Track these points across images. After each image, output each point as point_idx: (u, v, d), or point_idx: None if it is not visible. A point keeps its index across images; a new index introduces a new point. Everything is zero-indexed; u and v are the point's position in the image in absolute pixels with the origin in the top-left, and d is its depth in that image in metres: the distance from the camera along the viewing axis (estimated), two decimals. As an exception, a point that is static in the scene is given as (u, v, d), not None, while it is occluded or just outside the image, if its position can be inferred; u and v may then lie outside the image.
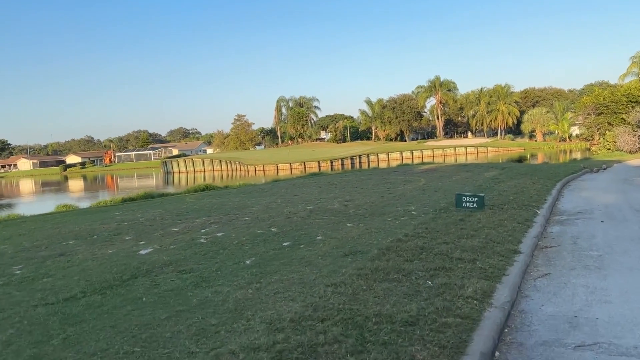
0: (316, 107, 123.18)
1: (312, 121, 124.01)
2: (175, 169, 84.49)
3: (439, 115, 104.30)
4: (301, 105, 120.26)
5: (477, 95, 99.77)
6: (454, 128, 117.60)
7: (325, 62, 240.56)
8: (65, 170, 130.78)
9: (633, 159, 26.39)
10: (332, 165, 68.06)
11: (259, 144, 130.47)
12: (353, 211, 10.01)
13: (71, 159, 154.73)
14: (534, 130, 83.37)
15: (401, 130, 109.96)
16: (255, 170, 68.16)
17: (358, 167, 68.90)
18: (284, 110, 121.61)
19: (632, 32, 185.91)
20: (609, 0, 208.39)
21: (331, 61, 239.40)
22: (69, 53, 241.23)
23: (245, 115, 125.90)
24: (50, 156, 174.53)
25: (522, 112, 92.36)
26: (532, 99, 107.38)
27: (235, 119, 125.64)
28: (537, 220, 8.94)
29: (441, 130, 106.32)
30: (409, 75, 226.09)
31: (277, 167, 67.13)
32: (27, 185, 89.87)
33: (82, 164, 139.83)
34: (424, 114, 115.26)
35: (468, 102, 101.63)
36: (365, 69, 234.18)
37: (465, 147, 78.33)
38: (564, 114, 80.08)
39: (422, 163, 27.45)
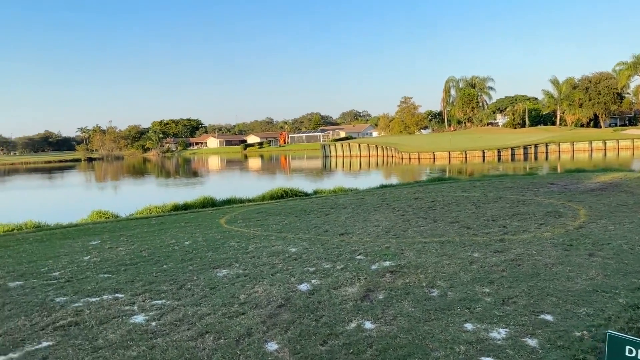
0: (490, 88, 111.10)
1: (485, 103, 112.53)
2: (333, 153, 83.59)
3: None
4: (473, 86, 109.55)
5: (703, 72, 78.85)
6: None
7: (506, 38, 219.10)
8: (245, 149, 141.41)
9: None
10: (499, 156, 59.39)
11: (425, 127, 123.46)
12: (356, 326, 4.87)
13: (251, 139, 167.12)
14: None
15: (595, 115, 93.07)
16: (410, 158, 62.97)
17: (533, 158, 59.00)
18: (452, 92, 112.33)
19: None
20: None
21: (514, 37, 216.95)
22: (257, 44, 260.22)
23: (412, 98, 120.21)
24: (235, 135, 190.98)
25: None
26: None
27: (401, 102, 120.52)
28: None
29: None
30: (608, 50, 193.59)
31: (434, 155, 60.90)
32: (213, 162, 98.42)
33: (260, 144, 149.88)
34: (626, 95, 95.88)
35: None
36: (553, 43, 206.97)
37: (681, 137, 61.86)
38: None
39: (605, 169, 19.86)
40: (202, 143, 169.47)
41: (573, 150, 63.35)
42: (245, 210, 14.35)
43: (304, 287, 6.51)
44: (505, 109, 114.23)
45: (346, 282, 6.61)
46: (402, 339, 4.75)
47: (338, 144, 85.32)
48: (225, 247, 9.12)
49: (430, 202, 13.38)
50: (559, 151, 63.37)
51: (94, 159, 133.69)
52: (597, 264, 6.84)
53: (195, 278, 7.13)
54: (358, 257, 7.90)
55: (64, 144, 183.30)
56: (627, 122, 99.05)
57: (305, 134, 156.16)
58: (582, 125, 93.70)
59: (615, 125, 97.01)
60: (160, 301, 6.18)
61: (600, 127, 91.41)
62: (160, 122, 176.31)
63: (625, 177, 16.66)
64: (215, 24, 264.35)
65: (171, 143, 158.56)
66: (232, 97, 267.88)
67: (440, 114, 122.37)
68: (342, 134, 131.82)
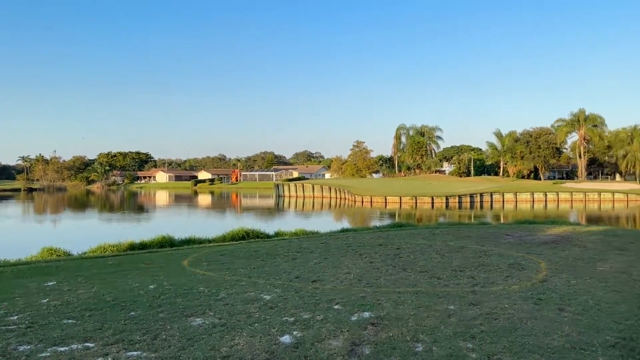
0: (438, 137, 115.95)
1: (433, 152, 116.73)
2: (286, 193, 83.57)
3: (582, 153, 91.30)
4: (422, 134, 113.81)
5: (630, 133, 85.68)
6: (598, 168, 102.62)
7: (453, 90, 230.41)
8: (195, 185, 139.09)
9: None
10: (447, 203, 61.29)
11: (377, 172, 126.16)
12: None
13: (202, 175, 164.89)
14: None
15: (535, 167, 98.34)
16: (362, 201, 63.91)
17: (478, 207, 61.29)
18: (403, 139, 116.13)
19: None
20: None
21: (460, 89, 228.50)
22: (209, 76, 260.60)
23: (364, 142, 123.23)
24: (185, 171, 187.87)
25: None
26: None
27: (354, 145, 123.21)
28: None
29: (583, 170, 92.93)
30: (547, 107, 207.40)
31: (386, 199, 62.08)
32: (160, 197, 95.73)
33: (211, 181, 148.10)
34: (564, 150, 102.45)
35: (618, 140, 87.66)
36: (498, 100, 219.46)
37: (613, 192, 66.15)
38: None
39: (553, 222, 20.81)
40: (150, 177, 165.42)
41: (516, 201, 66.31)
42: (207, 252, 13.96)
43: (286, 339, 6.33)
44: (452, 157, 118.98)
45: (329, 334, 6.49)
46: (397, 398, 4.67)
47: (292, 184, 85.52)
48: (194, 293, 8.79)
49: (395, 250, 13.51)
50: (503, 201, 66.20)
51: (35, 189, 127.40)
52: (568, 319, 7.07)
53: (168, 327, 6.79)
54: (336, 306, 7.80)
55: (3, 172, 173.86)
56: (564, 176, 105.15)
57: (258, 173, 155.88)
58: (523, 177, 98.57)
59: (554, 178, 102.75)
60: (135, 352, 5.82)
61: (540, 179, 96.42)
62: (108, 154, 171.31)
63: (575, 231, 17.51)
64: (161, 59, 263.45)
65: (117, 176, 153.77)
66: (183, 131, 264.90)
67: (391, 159, 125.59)
68: (295, 174, 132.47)
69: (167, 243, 16.46)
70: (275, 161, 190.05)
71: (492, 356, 5.72)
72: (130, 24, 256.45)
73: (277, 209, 64.10)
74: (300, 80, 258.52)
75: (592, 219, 41.31)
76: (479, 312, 7.48)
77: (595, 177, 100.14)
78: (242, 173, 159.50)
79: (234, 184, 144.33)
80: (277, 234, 18.98)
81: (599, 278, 9.72)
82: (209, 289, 9.12)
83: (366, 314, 7.37)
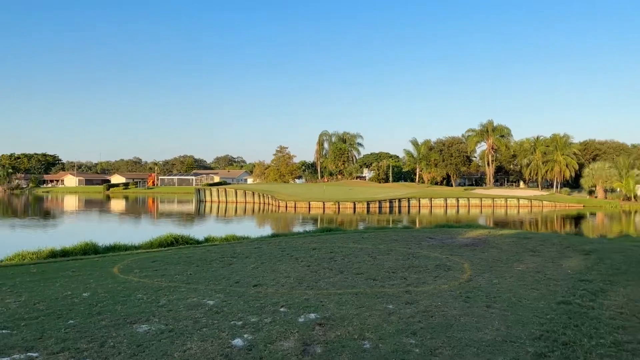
0: (359, 144, 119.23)
1: (355, 158, 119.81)
2: (208, 198, 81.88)
3: (490, 161, 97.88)
4: (344, 141, 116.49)
5: (533, 144, 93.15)
6: (505, 176, 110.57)
7: (373, 99, 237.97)
8: (108, 189, 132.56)
9: None
10: (368, 208, 63.19)
11: (299, 177, 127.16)
12: None
13: (116, 178, 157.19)
14: (594, 186, 75.86)
15: (448, 174, 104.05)
16: (287, 206, 64.20)
17: (397, 211, 63.78)
18: (326, 145, 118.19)
19: None
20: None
21: (380, 98, 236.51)
22: (124, 75, 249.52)
23: (287, 148, 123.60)
24: (97, 174, 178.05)
25: (580, 165, 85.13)
26: (591, 151, 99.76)
27: (277, 151, 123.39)
28: None
29: (491, 177, 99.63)
30: (459, 118, 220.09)
31: (310, 204, 62.83)
32: (69, 202, 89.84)
33: (126, 185, 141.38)
34: (474, 159, 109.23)
35: (522, 150, 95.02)
36: (415, 109, 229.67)
37: (518, 198, 71.58)
38: (629, 170, 72.74)
39: (469, 225, 22.25)
40: (58, 181, 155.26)
41: (431, 206, 69.75)
42: (137, 259, 13.54)
43: (238, 342, 6.42)
44: (371, 164, 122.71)
45: (280, 335, 6.66)
46: (354, 392, 4.96)
47: (213, 188, 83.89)
48: (133, 300, 8.57)
49: (329, 253, 13.89)
50: (419, 206, 69.35)
51: None
52: (496, 315, 7.75)
53: (114, 334, 6.63)
54: (281, 309, 7.98)
55: None
56: (474, 182, 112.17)
57: (176, 177, 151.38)
58: (437, 183, 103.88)
59: (464, 184, 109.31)
60: (85, 361, 5.66)
61: (452, 185, 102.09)
62: (10, 156, 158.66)
63: (490, 234, 18.91)
64: (77, 51, 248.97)
65: (22, 179, 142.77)
66: (95, 133, 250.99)
67: (313, 165, 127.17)
68: (217, 179, 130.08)
69: (90, 250, 15.70)
70: (195, 165, 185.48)
71: (434, 351, 6.19)
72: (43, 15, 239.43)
73: (199, 215, 62.67)
74: (220, 84, 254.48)
75: (501, 223, 44.48)
76: (415, 310, 7.99)
77: (502, 184, 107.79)
78: (160, 177, 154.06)
79: (151, 188, 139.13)
80: (207, 240, 18.71)
81: (517, 277, 10.67)
82: (147, 295, 8.93)
83: (312, 315, 7.62)
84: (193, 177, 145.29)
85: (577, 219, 54.09)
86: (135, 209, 75.37)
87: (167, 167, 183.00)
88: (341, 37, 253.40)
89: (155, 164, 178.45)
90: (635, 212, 61.18)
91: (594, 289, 9.51)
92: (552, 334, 6.76)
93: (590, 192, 76.71)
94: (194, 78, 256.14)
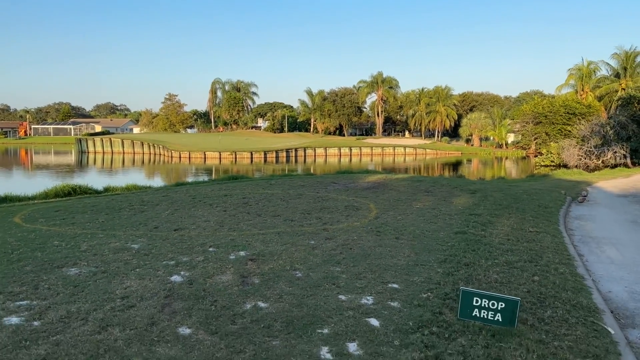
0: (254, 94, 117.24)
1: (249, 107, 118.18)
2: (91, 149, 76.44)
3: (379, 112, 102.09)
4: (238, 90, 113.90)
5: (418, 95, 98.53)
6: (392, 126, 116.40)
7: (267, 49, 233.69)
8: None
9: (599, 180, 23.93)
10: (265, 158, 63.50)
11: (191, 127, 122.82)
12: (252, 306, 5.51)
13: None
14: (471, 135, 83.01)
15: (340, 125, 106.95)
16: (180, 157, 62.30)
17: (294, 161, 64.91)
18: (219, 94, 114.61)
19: (570, 45, 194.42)
20: (549, 13, 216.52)
21: (274, 48, 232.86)
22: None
23: (177, 95, 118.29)
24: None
25: (459, 116, 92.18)
26: (469, 103, 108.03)
27: (165, 98, 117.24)
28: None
29: (380, 127, 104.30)
30: (352, 69, 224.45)
31: (205, 155, 61.59)
32: None
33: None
34: (364, 109, 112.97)
35: (408, 101, 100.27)
36: (309, 60, 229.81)
37: (404, 147, 76.22)
38: (502, 120, 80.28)
39: (367, 171, 23.65)
40: None
41: (326, 155, 71.88)
42: (37, 209, 12.79)
43: (176, 278, 6.67)
44: (266, 114, 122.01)
45: (216, 271, 7.01)
46: (298, 312, 5.54)
47: (97, 138, 78.38)
48: (51, 247, 8.31)
49: (242, 199, 14.20)
50: (315, 155, 71.11)
51: None
52: (405, 245, 8.75)
53: (45, 277, 6.53)
54: (210, 249, 8.27)
55: None
56: (364, 132, 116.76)
57: (52, 126, 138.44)
58: (330, 133, 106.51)
59: (356, 134, 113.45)
60: (24, 302, 5.60)
61: (344, 135, 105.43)
62: None
63: (387, 178, 20.36)
64: None
65: None
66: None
67: (206, 114, 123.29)
68: (98, 128, 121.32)
69: (-24, 202, 14.41)
70: (72, 113, 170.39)
71: (359, 275, 6.97)
72: None
73: (82, 166, 58.62)
74: (100, 26, 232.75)
75: (393, 170, 47.45)
76: (335, 244, 8.73)
77: (389, 134, 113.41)
78: (33, 126, 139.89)
79: (23, 138, 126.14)
80: (107, 190, 17.96)
81: (417, 214, 11.90)
82: (65, 242, 8.70)
83: (242, 253, 8.04)
84: (71, 127, 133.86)
85: (457, 164, 59.24)
86: (7, 162, 68.44)
87: (41, 115, 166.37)
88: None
89: (27, 111, 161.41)
90: (506, 158, 68.32)
91: (483, 221, 11.01)
92: (455, 257, 7.88)
93: (467, 141, 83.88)
94: (69, 22, 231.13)
